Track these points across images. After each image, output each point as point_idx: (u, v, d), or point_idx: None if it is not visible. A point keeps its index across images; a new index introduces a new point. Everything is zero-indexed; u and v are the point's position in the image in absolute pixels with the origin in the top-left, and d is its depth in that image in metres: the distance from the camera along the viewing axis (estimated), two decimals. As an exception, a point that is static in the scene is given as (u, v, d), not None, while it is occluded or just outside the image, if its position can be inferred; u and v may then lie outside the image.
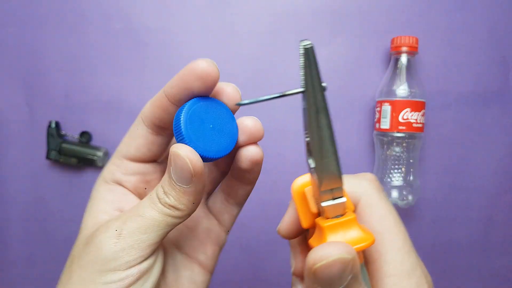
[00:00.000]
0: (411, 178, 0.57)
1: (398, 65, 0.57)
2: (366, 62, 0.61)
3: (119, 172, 0.25)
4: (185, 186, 0.21)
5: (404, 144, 0.57)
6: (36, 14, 0.61)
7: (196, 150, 0.21)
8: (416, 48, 0.57)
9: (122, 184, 0.25)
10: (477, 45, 0.60)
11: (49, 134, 0.60)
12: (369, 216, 0.21)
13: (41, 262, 0.63)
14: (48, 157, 0.60)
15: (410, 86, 0.56)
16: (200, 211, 0.28)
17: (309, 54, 0.17)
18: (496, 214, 0.62)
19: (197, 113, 0.22)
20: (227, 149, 0.23)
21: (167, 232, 0.22)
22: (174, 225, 0.22)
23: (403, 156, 0.57)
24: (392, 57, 0.58)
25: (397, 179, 0.57)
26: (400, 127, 0.55)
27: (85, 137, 0.60)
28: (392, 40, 0.57)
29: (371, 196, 0.22)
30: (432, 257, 0.62)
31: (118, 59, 0.61)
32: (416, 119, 0.55)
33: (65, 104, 0.62)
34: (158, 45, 0.61)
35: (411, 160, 0.57)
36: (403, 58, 0.57)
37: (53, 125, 0.60)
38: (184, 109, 0.22)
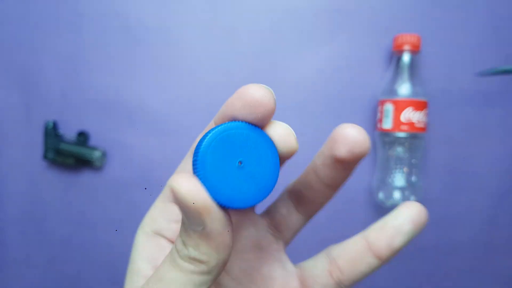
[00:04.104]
0: (414, 178, 0.57)
1: (400, 64, 0.56)
2: (368, 60, 0.60)
3: (162, 218, 0.22)
4: (198, 229, 0.16)
5: (406, 144, 0.56)
6: (32, 13, 0.60)
7: (209, 191, 0.16)
8: (419, 46, 0.56)
9: (163, 233, 0.22)
10: (480, 43, 0.60)
11: (46, 134, 0.59)
12: None
13: (38, 263, 0.62)
14: (45, 157, 0.59)
15: (412, 85, 0.55)
16: (273, 265, 0.24)
17: None
18: (500, 214, 0.61)
19: (230, 140, 0.17)
20: (252, 199, 0.17)
21: None
22: (205, 285, 0.18)
23: (406, 157, 0.56)
24: (394, 55, 0.57)
25: (399, 179, 0.56)
26: (403, 127, 0.55)
27: (83, 137, 0.60)
28: (394, 39, 0.57)
29: None
30: (435, 258, 0.61)
31: (115, 58, 0.60)
32: (419, 119, 0.55)
33: (62, 104, 0.61)
34: (157, 43, 0.60)
35: (413, 161, 0.56)
36: (406, 57, 0.56)
37: (50, 125, 0.59)
38: (213, 131, 0.17)
